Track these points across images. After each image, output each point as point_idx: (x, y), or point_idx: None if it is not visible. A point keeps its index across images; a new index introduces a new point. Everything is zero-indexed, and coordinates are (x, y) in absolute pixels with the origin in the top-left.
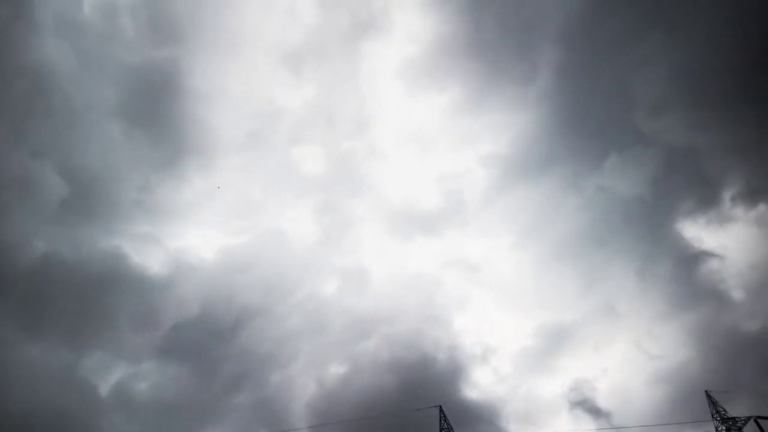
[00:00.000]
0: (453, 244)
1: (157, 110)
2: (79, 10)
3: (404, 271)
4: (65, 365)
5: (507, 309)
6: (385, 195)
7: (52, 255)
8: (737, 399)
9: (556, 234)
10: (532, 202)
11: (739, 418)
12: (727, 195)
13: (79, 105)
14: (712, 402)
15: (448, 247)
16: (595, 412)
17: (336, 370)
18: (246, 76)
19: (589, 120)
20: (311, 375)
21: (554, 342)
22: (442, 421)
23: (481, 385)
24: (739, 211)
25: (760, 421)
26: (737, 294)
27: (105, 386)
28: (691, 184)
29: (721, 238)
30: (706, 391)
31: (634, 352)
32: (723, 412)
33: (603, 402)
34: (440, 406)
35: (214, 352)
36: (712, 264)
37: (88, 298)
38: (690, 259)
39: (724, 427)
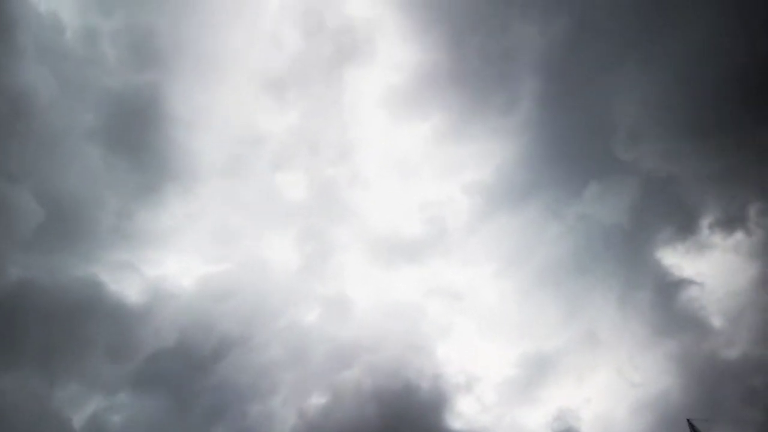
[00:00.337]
0: (436, 272)
1: (137, 135)
2: (60, 36)
3: (387, 299)
4: (38, 396)
5: (490, 337)
6: (368, 222)
7: (26, 282)
8: (719, 427)
9: (539, 262)
10: (514, 230)
11: None
12: (704, 223)
13: (58, 130)
14: (694, 430)
15: (431, 275)
16: None
17: (317, 400)
18: (228, 101)
19: (569, 148)
20: (292, 405)
21: (538, 371)
22: None
23: (465, 414)
24: (716, 238)
25: None
26: (717, 321)
27: (79, 418)
28: (669, 212)
29: (700, 266)
30: (688, 420)
31: (616, 381)
32: None
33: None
34: None
35: (192, 383)
36: (692, 291)
37: (62, 327)
38: (670, 287)
39: None
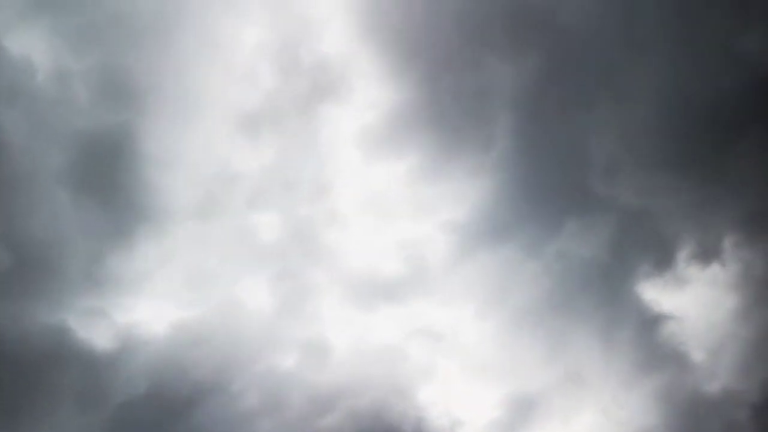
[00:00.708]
0: (416, 312)
1: (108, 176)
2: (32, 78)
3: (367, 341)
4: None
5: (473, 378)
6: (345, 262)
7: None
8: None
9: (520, 300)
10: (494, 268)
11: None
12: (681, 256)
13: (27, 173)
14: None
15: (412, 315)
16: None
17: None
18: (202, 140)
19: (546, 185)
20: None
21: (522, 412)
22: None
23: None
24: (693, 271)
25: None
26: (697, 355)
27: None
28: (646, 246)
29: (679, 300)
30: None
31: (602, 421)
32: None
33: None
34: None
35: None
36: (672, 326)
37: (29, 377)
38: (650, 322)
39: None
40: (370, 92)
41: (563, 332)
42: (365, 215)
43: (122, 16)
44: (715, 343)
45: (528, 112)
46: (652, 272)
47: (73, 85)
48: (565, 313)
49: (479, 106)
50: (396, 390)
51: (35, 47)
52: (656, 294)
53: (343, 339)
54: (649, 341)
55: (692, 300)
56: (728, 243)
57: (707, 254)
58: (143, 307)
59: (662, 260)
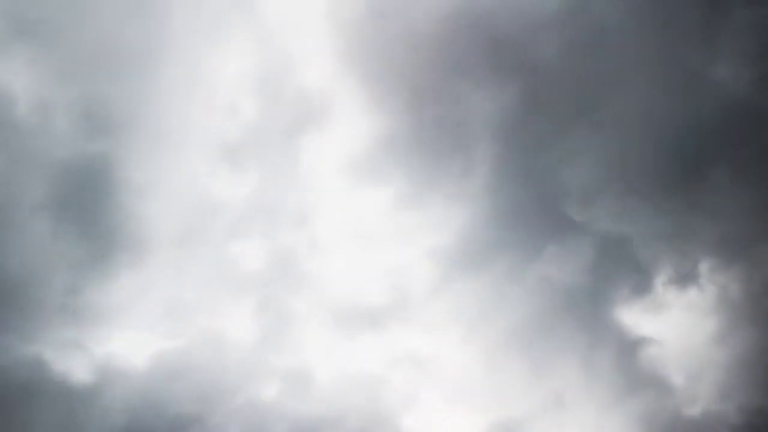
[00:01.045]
0: (399, 339)
1: (87, 206)
2: (12, 108)
3: (350, 370)
4: None
5: (457, 405)
6: (328, 291)
7: None
8: None
9: (502, 325)
10: (476, 294)
11: None
12: (658, 281)
13: (3, 202)
14: None
15: (395, 342)
16: None
17: None
18: (183, 170)
19: (525, 211)
20: None
21: None
22: None
23: None
24: (671, 296)
25: None
26: (678, 379)
27: None
28: (625, 271)
29: (658, 324)
30: None
31: None
32: None
33: None
34: None
35: None
36: (652, 350)
37: (3, 411)
38: (630, 346)
39: None
40: (351, 122)
41: (545, 357)
42: (347, 243)
43: (104, 47)
44: (695, 366)
45: (506, 141)
46: (631, 297)
47: (53, 116)
48: (546, 338)
49: (459, 135)
50: (379, 418)
51: (16, 77)
52: (635, 318)
53: (325, 368)
54: (629, 365)
55: (671, 324)
56: (704, 268)
57: (684, 279)
58: (121, 338)
59: (640, 285)
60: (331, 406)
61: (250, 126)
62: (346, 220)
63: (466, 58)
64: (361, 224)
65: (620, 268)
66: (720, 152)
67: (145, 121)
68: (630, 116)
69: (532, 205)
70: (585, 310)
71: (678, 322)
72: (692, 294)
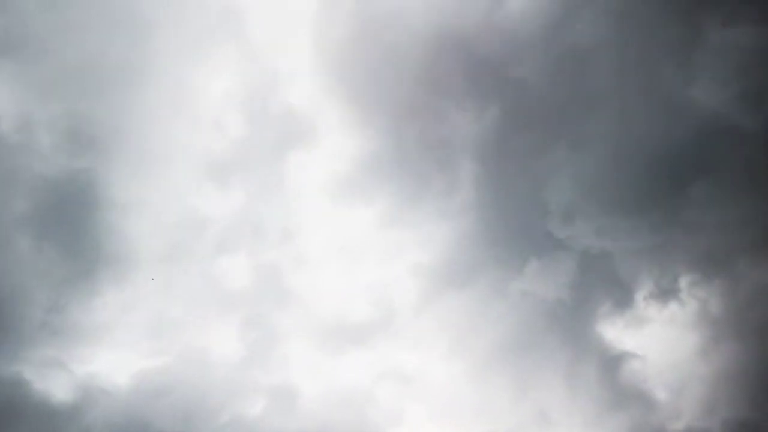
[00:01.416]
0: (385, 355)
1: (70, 222)
2: None
3: (335, 387)
4: None
5: (442, 421)
6: (313, 307)
7: None
8: None
9: (487, 341)
10: (461, 310)
11: None
12: (639, 296)
13: None
14: None
15: (380, 359)
16: None
17: None
18: (168, 186)
19: (508, 228)
20: None
21: None
22: None
23: None
24: (652, 311)
25: None
26: (661, 394)
27: None
28: (606, 286)
29: (640, 339)
30: None
31: None
32: None
33: None
34: None
35: None
36: (634, 365)
37: None
38: (613, 361)
39: None
40: (336, 140)
41: (529, 372)
42: (333, 260)
43: (88, 64)
44: (678, 381)
45: (489, 159)
46: (613, 311)
47: (36, 132)
48: (530, 353)
49: (442, 154)
50: None
51: None
52: (617, 333)
53: (311, 384)
54: (612, 380)
55: (653, 339)
56: (685, 282)
57: (665, 294)
58: (104, 357)
59: (622, 300)
60: (317, 422)
61: (236, 143)
62: (332, 237)
63: (449, 78)
64: (346, 241)
65: (602, 284)
66: (698, 169)
67: (130, 137)
68: (610, 134)
69: (515, 222)
70: (568, 325)
71: (660, 337)
72: (673, 308)
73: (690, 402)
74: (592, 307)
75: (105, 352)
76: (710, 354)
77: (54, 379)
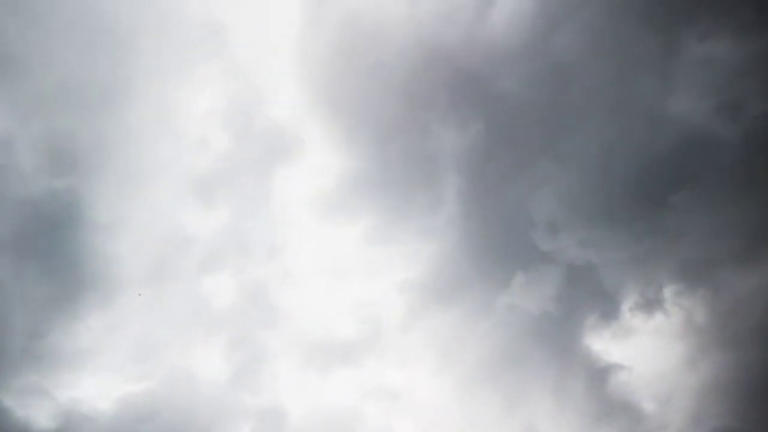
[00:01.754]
0: (373, 373)
1: (52, 244)
2: None
3: (323, 406)
4: None
5: None
6: (300, 326)
7: None
8: None
9: (474, 355)
10: (448, 325)
11: None
12: (625, 307)
13: None
14: None
15: (368, 376)
16: None
17: None
18: (153, 204)
19: (494, 242)
20: None
21: None
22: None
23: None
24: (638, 322)
25: None
26: (648, 405)
27: None
28: (592, 298)
29: (626, 350)
30: None
31: None
32: None
33: None
34: None
35: None
36: (622, 376)
37: None
38: (600, 373)
39: None
40: (321, 156)
41: (517, 386)
42: (319, 277)
43: (70, 82)
44: (665, 392)
45: (473, 174)
46: (599, 323)
47: (17, 152)
48: (518, 367)
49: (427, 169)
50: None
51: None
52: (604, 345)
53: (299, 404)
54: (600, 392)
55: (639, 350)
56: (669, 292)
57: (650, 304)
58: (87, 382)
59: (608, 311)
60: None
61: (221, 160)
62: (318, 253)
63: (433, 93)
64: (332, 258)
65: (587, 296)
66: (678, 179)
67: (113, 156)
68: (592, 147)
69: (500, 236)
70: (555, 338)
71: (646, 348)
72: (659, 319)
73: (677, 412)
74: (579, 320)
75: (88, 377)
76: (697, 364)
77: (36, 406)
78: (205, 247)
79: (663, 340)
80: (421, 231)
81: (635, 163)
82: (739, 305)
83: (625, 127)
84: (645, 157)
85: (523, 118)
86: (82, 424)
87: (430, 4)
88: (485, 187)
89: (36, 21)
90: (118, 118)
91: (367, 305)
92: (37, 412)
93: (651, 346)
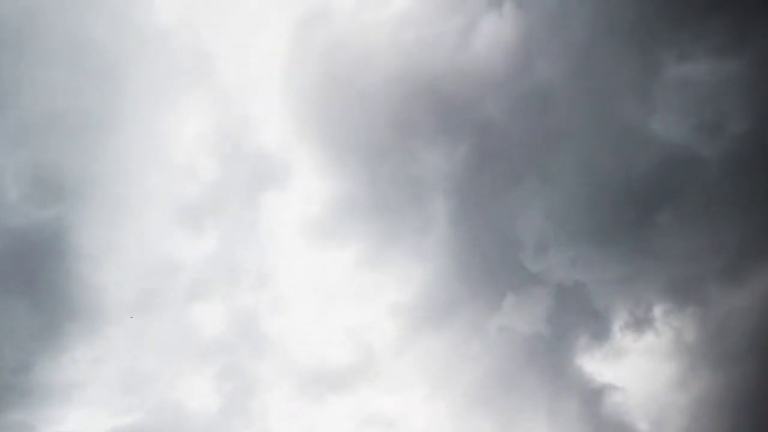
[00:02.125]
0: (366, 399)
1: (37, 275)
2: None
3: None
4: None
5: None
6: (291, 353)
7: None
8: None
9: (467, 379)
10: (441, 349)
11: None
12: (616, 327)
13: None
14: None
15: (362, 403)
16: None
17: None
18: (140, 233)
19: (483, 264)
20: None
21: None
22: None
23: None
24: (629, 341)
25: None
26: (642, 425)
27: None
28: (583, 318)
29: (619, 371)
30: None
31: None
32: None
33: None
34: None
35: None
36: (615, 397)
37: None
38: (594, 394)
39: None
40: (309, 182)
41: (511, 409)
42: (309, 304)
43: (55, 111)
44: (658, 412)
45: (461, 197)
46: (591, 344)
47: (1, 181)
48: (511, 390)
49: (415, 192)
50: None
51: None
52: (596, 365)
53: None
54: (594, 413)
55: (631, 370)
56: (658, 311)
57: (640, 324)
58: (74, 417)
59: (599, 331)
60: None
61: (208, 187)
62: (307, 280)
63: (419, 118)
64: (322, 284)
65: (578, 316)
66: (662, 198)
67: (100, 185)
68: (576, 168)
69: (490, 258)
70: (547, 360)
71: (638, 368)
72: (649, 338)
73: None
74: (571, 340)
75: (75, 411)
76: (688, 383)
77: None
78: (194, 275)
79: (654, 359)
80: (411, 254)
81: (620, 183)
82: (728, 322)
83: (608, 148)
84: (629, 177)
85: (509, 141)
86: None
87: (415, 33)
88: (473, 209)
89: (21, 50)
90: (104, 147)
91: (359, 330)
92: None
93: (643, 366)
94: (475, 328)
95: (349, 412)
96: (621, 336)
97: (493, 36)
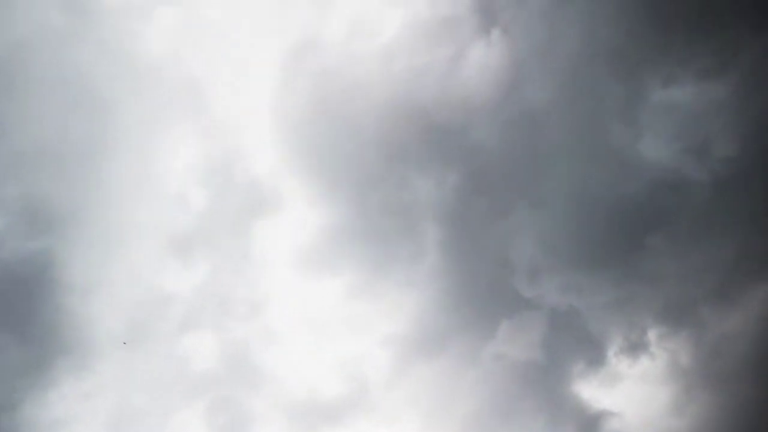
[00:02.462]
0: None
1: (25, 308)
2: None
3: None
4: None
5: None
6: (283, 385)
7: None
8: None
9: (463, 408)
10: (435, 379)
11: None
12: (611, 352)
13: None
14: None
15: None
16: None
17: None
18: (129, 265)
19: (476, 291)
20: None
21: None
22: None
23: None
24: (624, 366)
25: None
26: None
27: None
28: (578, 344)
29: (615, 396)
30: None
31: None
32: None
33: None
34: None
35: None
36: (612, 423)
37: None
38: (591, 420)
39: None
40: (300, 211)
41: None
42: (302, 334)
43: (45, 142)
44: None
45: (452, 224)
46: (587, 370)
47: None
48: (508, 418)
49: (406, 221)
50: None
51: None
52: (593, 392)
53: None
54: None
55: (628, 395)
56: (653, 335)
57: (635, 348)
58: None
59: (594, 357)
60: None
61: (199, 217)
62: (300, 310)
63: (409, 146)
64: (314, 314)
65: (573, 341)
66: (652, 221)
67: (90, 216)
68: (566, 193)
69: (482, 285)
70: (543, 387)
71: (634, 393)
72: (645, 363)
73: None
74: (567, 367)
75: None
76: (684, 407)
77: None
78: (185, 306)
79: (650, 383)
80: (403, 283)
81: (610, 207)
82: (723, 344)
83: (597, 172)
84: (619, 201)
85: (499, 167)
86: None
87: (404, 62)
88: (465, 236)
89: (11, 80)
90: (94, 178)
91: (352, 362)
92: None
93: (639, 391)
94: (470, 357)
95: None
96: (616, 361)
97: (482, 63)
